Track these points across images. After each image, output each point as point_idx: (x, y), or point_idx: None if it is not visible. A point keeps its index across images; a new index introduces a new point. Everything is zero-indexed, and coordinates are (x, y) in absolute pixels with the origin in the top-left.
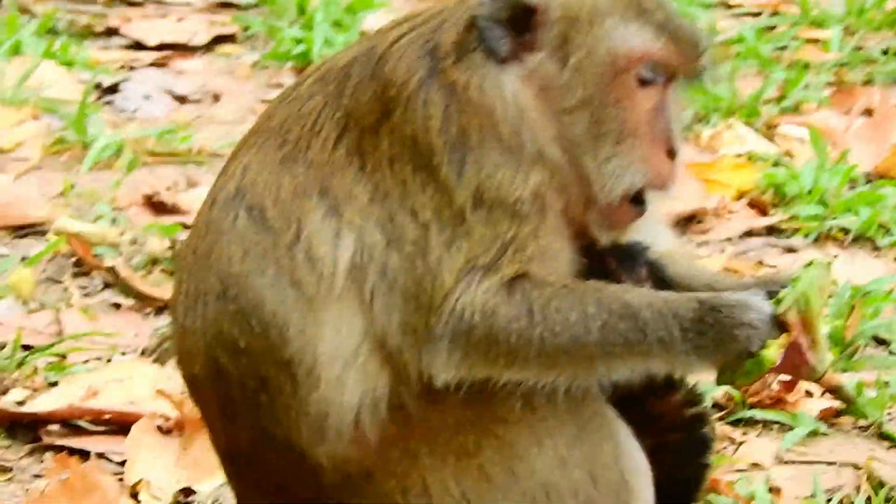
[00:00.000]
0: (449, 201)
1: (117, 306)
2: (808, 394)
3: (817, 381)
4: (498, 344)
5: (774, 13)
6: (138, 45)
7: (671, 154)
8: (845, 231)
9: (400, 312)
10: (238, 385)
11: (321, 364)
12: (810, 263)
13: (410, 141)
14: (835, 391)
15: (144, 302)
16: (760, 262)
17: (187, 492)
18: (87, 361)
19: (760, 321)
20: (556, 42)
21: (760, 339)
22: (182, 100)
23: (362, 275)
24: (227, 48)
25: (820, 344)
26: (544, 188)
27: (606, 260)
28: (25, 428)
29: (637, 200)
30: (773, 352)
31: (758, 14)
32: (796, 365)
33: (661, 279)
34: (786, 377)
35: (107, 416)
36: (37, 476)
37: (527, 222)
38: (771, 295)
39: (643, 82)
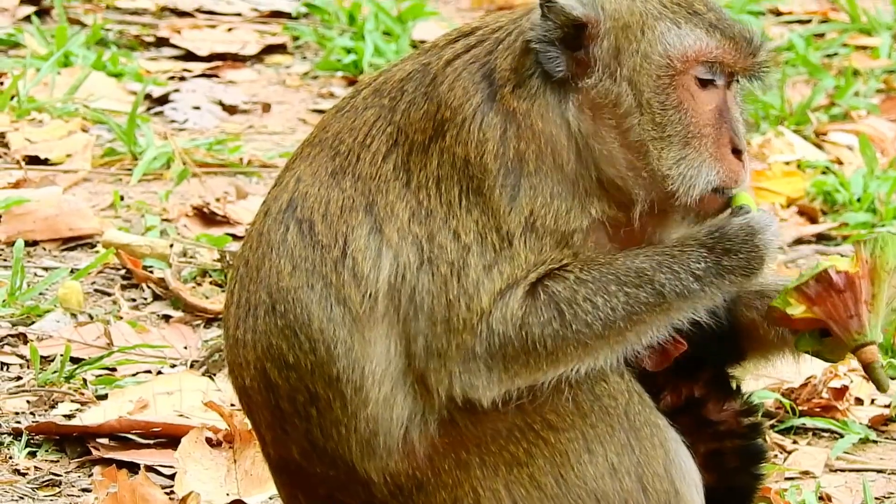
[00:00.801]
0: (496, 225)
1: (167, 318)
2: (858, 401)
3: (857, 349)
4: (537, 351)
5: (824, 21)
6: (188, 56)
7: (737, 152)
8: None
9: (424, 336)
10: (288, 398)
11: (370, 383)
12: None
13: (462, 162)
14: (868, 367)
15: (194, 314)
16: None
17: None
18: (136, 374)
19: (773, 235)
20: (609, 54)
21: (773, 259)
22: (232, 110)
23: (398, 296)
24: (277, 58)
25: (879, 307)
26: (604, 216)
27: None
28: (74, 441)
29: (718, 191)
30: (829, 264)
31: (807, 21)
32: (847, 314)
33: None
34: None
35: (156, 429)
36: (85, 490)
37: (574, 247)
38: None
39: (703, 83)
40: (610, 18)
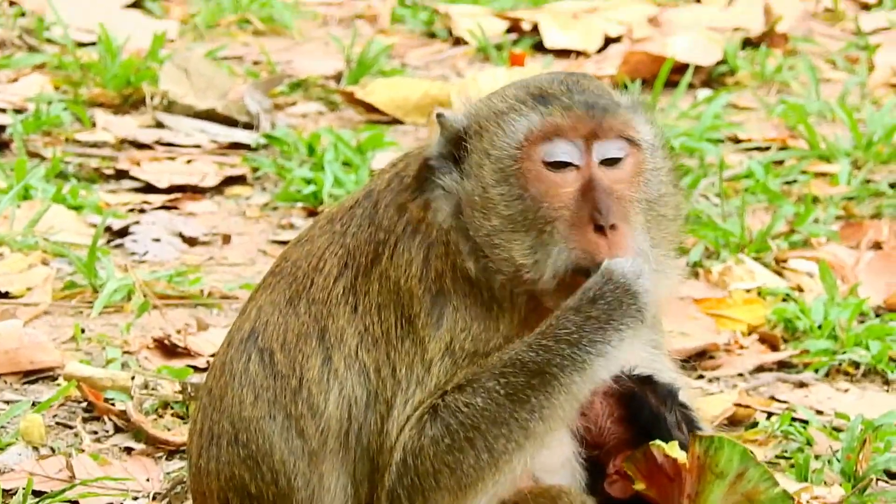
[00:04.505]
0: (421, 356)
1: (129, 451)
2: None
3: None
4: (442, 470)
5: (783, 148)
6: (148, 188)
7: (599, 228)
8: (856, 365)
9: (368, 479)
10: None
11: None
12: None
13: (395, 287)
14: None
15: (156, 446)
16: (772, 398)
17: None
18: None
19: (631, 266)
20: (471, 157)
21: (646, 289)
22: (192, 242)
23: (347, 433)
24: (237, 189)
25: None
26: (512, 326)
27: (646, 396)
28: None
29: (580, 271)
30: (661, 444)
31: (766, 149)
32: (670, 503)
33: (689, 420)
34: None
35: None
36: None
37: (487, 359)
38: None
39: (554, 166)
40: (474, 122)
